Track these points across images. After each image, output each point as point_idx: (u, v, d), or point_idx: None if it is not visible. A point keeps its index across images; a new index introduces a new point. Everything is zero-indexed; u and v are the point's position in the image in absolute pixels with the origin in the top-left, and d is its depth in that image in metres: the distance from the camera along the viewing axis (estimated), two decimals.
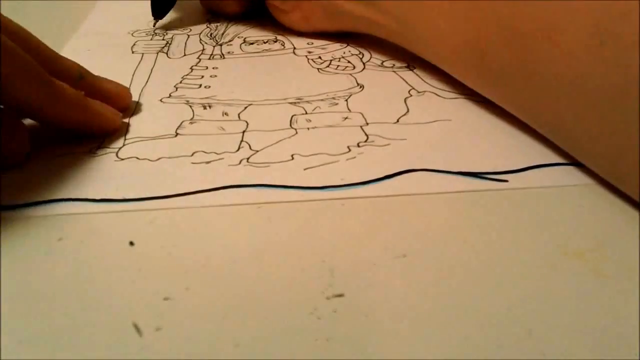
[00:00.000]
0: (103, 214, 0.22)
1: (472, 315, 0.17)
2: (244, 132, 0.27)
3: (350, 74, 0.32)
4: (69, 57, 0.35)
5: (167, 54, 0.36)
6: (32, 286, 0.18)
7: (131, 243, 0.20)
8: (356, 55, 0.35)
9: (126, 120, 0.28)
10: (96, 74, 0.33)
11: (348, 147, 0.25)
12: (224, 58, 0.35)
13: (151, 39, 0.38)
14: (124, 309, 0.17)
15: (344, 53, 0.35)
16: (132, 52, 0.36)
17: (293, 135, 0.26)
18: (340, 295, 0.18)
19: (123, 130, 0.27)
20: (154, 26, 0.40)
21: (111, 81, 0.28)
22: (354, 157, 0.24)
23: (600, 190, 0.22)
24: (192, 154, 0.25)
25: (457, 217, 0.21)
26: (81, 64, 0.34)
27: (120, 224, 0.21)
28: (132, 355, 0.16)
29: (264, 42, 0.37)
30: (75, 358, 0.16)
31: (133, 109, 0.29)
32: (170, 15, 0.43)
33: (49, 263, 0.19)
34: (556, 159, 0.24)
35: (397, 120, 0.27)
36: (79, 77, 0.26)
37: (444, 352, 0.16)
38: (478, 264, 0.19)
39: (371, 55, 0.35)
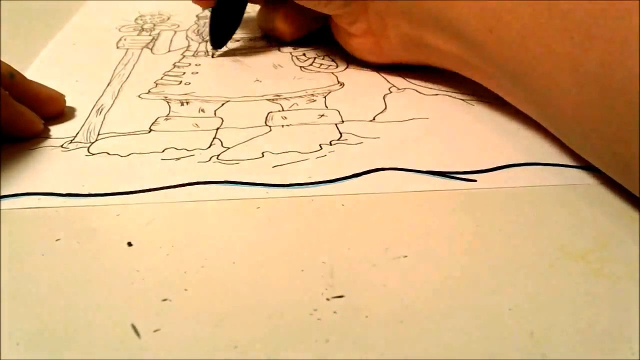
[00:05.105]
0: (100, 214, 0.21)
1: (473, 316, 0.17)
2: (217, 129, 0.27)
3: (333, 73, 0.32)
4: (54, 51, 0.35)
5: (151, 50, 0.36)
6: (30, 287, 0.18)
7: (129, 244, 0.20)
8: (341, 53, 0.34)
9: (101, 116, 0.28)
10: (77, 68, 0.33)
11: (320, 145, 0.25)
12: (208, 55, 0.35)
13: (138, 35, 0.38)
14: (122, 311, 0.17)
15: (330, 50, 0.35)
16: (117, 47, 0.36)
17: (266, 133, 0.26)
18: (341, 297, 0.18)
19: (46, 134, 0.26)
20: (212, 57, 0.34)
21: (44, 85, 0.28)
22: (325, 156, 0.24)
23: (586, 190, 0.22)
24: (163, 150, 0.25)
25: (455, 217, 0.21)
26: (65, 58, 0.34)
27: (119, 224, 0.21)
28: (130, 356, 0.16)
29: (250, 40, 0.37)
30: (73, 359, 0.16)
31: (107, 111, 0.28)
32: None
33: (46, 264, 0.19)
34: (540, 158, 0.24)
35: (374, 118, 0.27)
36: (10, 76, 0.26)
37: (444, 353, 0.16)
38: (479, 265, 0.19)
39: None
